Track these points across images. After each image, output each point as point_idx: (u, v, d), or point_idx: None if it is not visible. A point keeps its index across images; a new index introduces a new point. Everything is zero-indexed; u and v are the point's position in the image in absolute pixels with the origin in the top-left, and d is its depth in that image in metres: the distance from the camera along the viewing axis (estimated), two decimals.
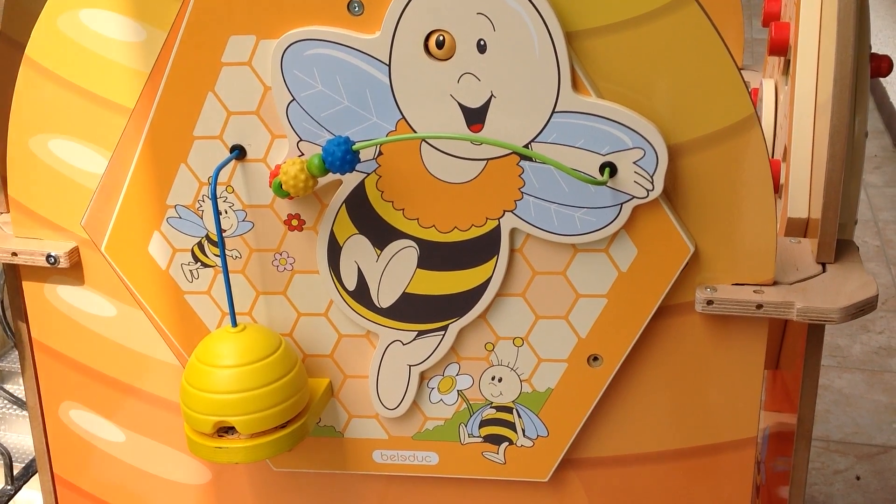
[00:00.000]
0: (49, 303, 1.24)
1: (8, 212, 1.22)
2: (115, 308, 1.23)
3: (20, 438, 2.24)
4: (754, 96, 1.54)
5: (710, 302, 1.05)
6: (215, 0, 1.05)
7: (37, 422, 1.32)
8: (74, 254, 1.19)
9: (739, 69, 1.02)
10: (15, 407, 2.36)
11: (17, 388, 2.42)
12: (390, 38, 1.03)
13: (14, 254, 1.19)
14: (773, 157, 1.37)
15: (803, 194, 1.13)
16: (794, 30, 1.28)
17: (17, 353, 1.36)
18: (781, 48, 1.31)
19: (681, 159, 1.04)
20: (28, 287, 1.24)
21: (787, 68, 1.35)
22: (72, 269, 1.21)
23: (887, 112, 4.31)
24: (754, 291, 1.05)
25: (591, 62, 1.02)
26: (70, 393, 1.29)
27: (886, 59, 1.16)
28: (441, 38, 1.02)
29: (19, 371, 1.33)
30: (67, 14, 1.10)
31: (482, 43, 1.02)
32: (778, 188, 1.25)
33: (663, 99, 1.02)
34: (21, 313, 1.27)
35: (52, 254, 1.17)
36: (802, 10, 1.22)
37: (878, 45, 4.51)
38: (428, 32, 1.02)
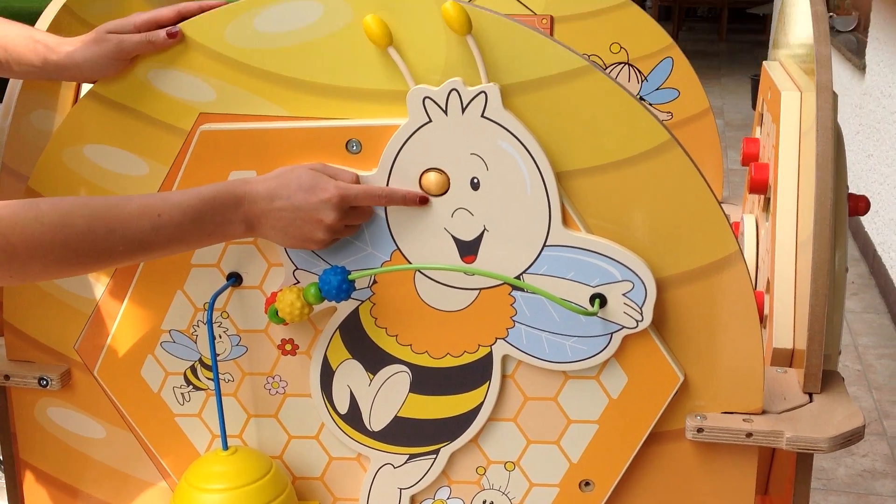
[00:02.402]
0: (38, 424, 1.24)
1: (2, 335, 1.23)
2: (104, 430, 1.23)
3: None
4: (735, 230, 1.58)
5: (700, 430, 1.07)
6: (218, 137, 1.09)
7: None
8: (67, 377, 1.20)
9: (720, 203, 1.06)
10: None
11: None
12: (387, 174, 1.06)
13: (7, 377, 1.19)
14: (756, 288, 1.40)
15: (787, 325, 1.16)
16: (773, 170, 1.33)
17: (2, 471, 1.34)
18: (761, 187, 1.36)
19: (669, 292, 1.07)
20: (18, 408, 1.24)
21: (767, 206, 1.39)
22: (63, 391, 1.21)
23: (863, 240, 4.40)
24: (744, 420, 1.07)
25: (581, 200, 1.06)
26: None
27: (864, 200, 1.21)
28: (435, 175, 1.05)
29: (3, 489, 1.31)
30: (71, 149, 1.13)
31: (475, 181, 1.06)
32: (763, 319, 1.28)
33: (650, 235, 1.06)
34: (9, 433, 1.26)
35: (45, 377, 1.18)
36: (781, 153, 1.28)
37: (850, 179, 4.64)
38: (423, 171, 1.06)
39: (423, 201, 1.06)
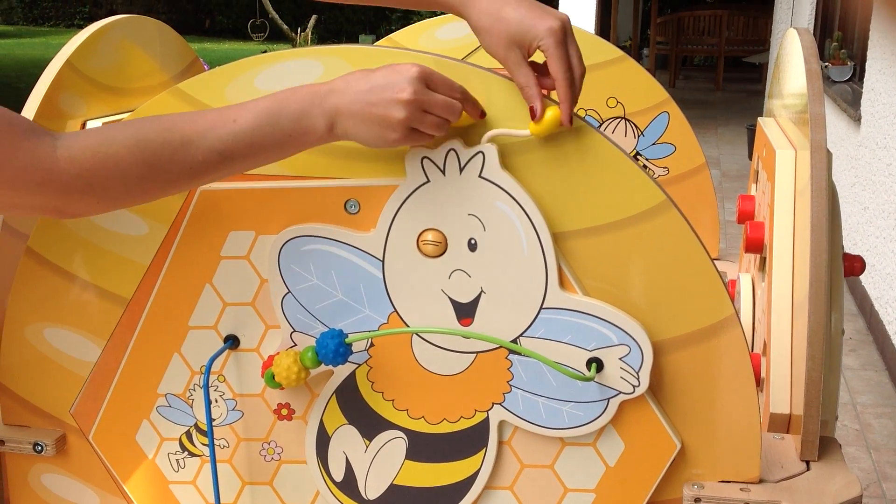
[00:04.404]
0: (32, 491, 1.23)
1: None
2: (97, 497, 1.22)
3: None
4: (732, 288, 1.58)
5: (697, 500, 1.06)
6: (217, 197, 1.09)
7: None
8: (62, 442, 1.19)
9: (714, 261, 1.06)
10: None
11: None
12: (385, 235, 1.07)
13: (1, 442, 1.18)
14: (752, 350, 1.40)
15: (784, 390, 1.15)
16: (768, 230, 1.33)
17: None
18: (757, 246, 1.37)
19: (665, 356, 1.07)
20: (12, 474, 1.23)
21: (763, 265, 1.40)
22: (57, 457, 1.20)
23: (860, 295, 4.40)
24: (741, 490, 1.06)
25: (577, 261, 1.06)
26: None
27: (859, 259, 1.21)
28: (433, 236, 1.06)
29: None
30: None
31: (473, 242, 1.06)
32: (759, 382, 1.27)
33: (646, 298, 1.06)
34: (2, 501, 1.25)
35: (40, 442, 1.17)
36: (776, 212, 1.28)
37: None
38: (421, 231, 1.06)
39: (483, 115, 1.03)
